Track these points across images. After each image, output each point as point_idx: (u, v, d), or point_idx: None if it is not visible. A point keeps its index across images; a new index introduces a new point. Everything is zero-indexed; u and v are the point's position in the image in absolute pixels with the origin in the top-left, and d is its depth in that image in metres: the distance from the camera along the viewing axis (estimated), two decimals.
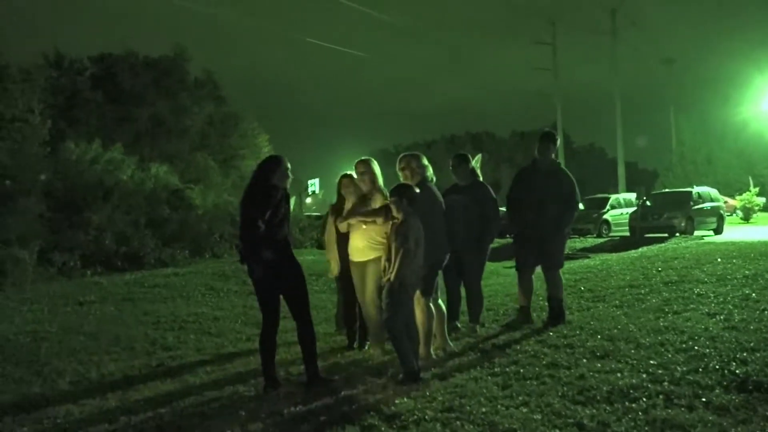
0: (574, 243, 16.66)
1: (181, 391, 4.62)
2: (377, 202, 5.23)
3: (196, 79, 29.49)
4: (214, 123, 28.74)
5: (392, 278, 4.49)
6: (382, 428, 3.56)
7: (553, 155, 6.34)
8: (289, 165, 4.64)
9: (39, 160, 14.64)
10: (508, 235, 19.29)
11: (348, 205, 5.47)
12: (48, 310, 8.51)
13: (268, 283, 4.47)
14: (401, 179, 5.17)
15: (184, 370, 5.29)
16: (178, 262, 14.32)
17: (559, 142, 6.43)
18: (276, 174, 4.53)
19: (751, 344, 4.65)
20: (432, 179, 5.28)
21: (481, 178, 6.43)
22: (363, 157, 5.51)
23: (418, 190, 4.71)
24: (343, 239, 5.58)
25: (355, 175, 5.51)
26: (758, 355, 4.37)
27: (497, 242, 18.52)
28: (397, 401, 3.97)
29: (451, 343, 5.41)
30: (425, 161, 5.27)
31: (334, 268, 5.84)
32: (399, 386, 4.34)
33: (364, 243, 5.22)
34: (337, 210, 5.72)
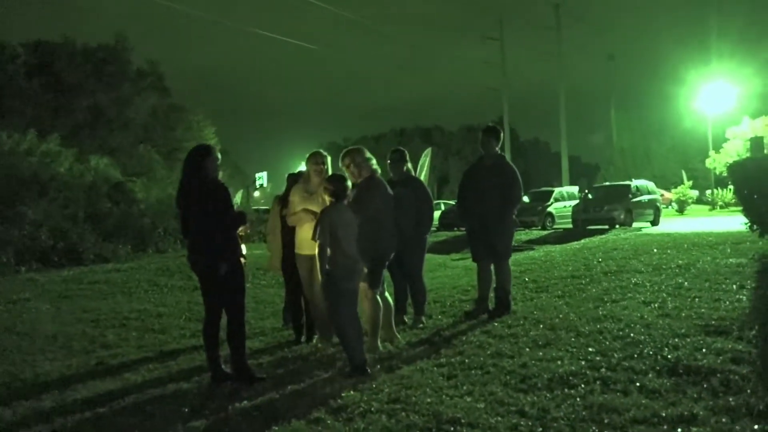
0: (520, 235, 17.00)
1: (122, 389, 4.48)
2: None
3: (138, 70, 28.59)
4: (158, 115, 27.97)
5: (319, 273, 4.51)
6: (329, 421, 3.55)
7: (497, 149, 6.46)
8: (219, 155, 4.57)
9: None
10: (456, 228, 19.62)
11: (294, 197, 5.41)
12: None
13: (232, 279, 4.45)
14: (347, 176, 5.16)
15: (125, 368, 5.14)
16: (120, 258, 13.86)
17: (503, 136, 6.53)
18: (206, 163, 4.43)
19: (683, 330, 4.87)
20: (377, 171, 5.28)
21: (415, 173, 6.54)
22: (320, 150, 5.54)
23: (349, 184, 4.74)
24: (288, 232, 5.53)
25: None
26: (689, 340, 4.59)
27: (446, 235, 18.87)
28: (343, 394, 3.97)
29: (398, 335, 5.45)
30: (368, 154, 5.25)
31: (276, 260, 5.80)
32: (346, 379, 4.35)
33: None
34: (284, 200, 5.67)
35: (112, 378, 4.83)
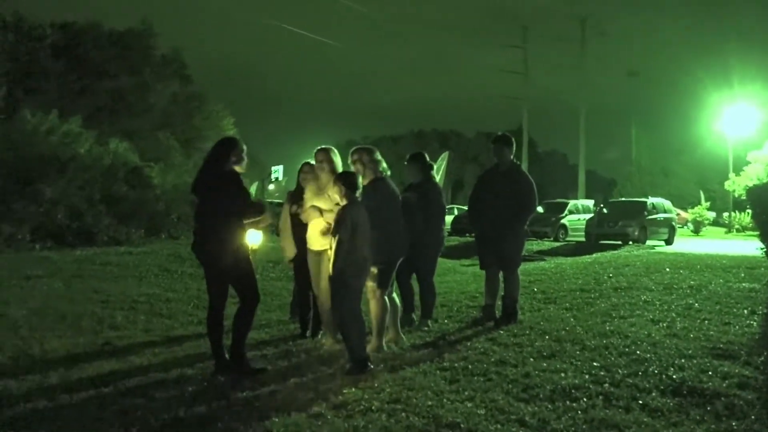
0: (531, 245, 16.94)
1: (126, 371, 4.53)
2: (334, 192, 5.19)
3: (162, 56, 28.84)
4: (178, 102, 28.15)
5: (330, 268, 4.52)
6: (329, 416, 3.57)
7: (511, 157, 6.43)
8: (245, 147, 4.59)
9: None
10: (468, 234, 19.58)
11: (307, 194, 5.45)
12: None
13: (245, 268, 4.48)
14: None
15: (131, 350, 5.20)
16: (133, 241, 13.99)
17: (514, 145, 6.49)
18: (231, 157, 4.48)
19: (690, 351, 4.83)
20: (386, 173, 5.27)
21: (437, 178, 6.52)
22: (323, 146, 5.49)
23: (361, 180, 4.74)
24: (300, 227, 5.55)
25: (314, 164, 5.50)
26: (695, 361, 4.55)
27: (457, 240, 18.85)
28: (345, 391, 3.99)
29: (403, 337, 5.46)
30: (378, 156, 5.22)
31: (290, 252, 5.80)
32: (346, 375, 4.37)
33: (322, 231, 5.20)
34: (294, 197, 5.69)
35: (117, 359, 4.89)
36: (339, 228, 4.50)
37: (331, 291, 4.63)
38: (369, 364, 4.49)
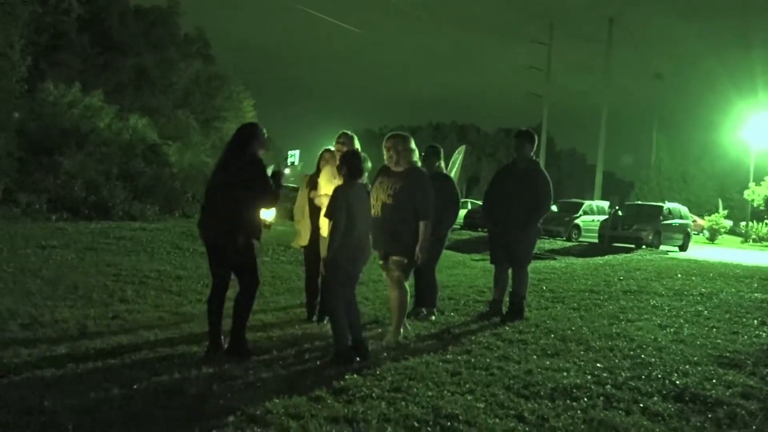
0: (543, 244, 16.86)
1: (134, 344, 4.59)
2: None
3: (186, 35, 29.00)
4: (199, 82, 28.29)
5: (324, 251, 4.42)
6: (329, 401, 3.60)
7: (531, 154, 6.39)
8: (265, 132, 4.61)
9: (14, 98, 14.27)
10: (480, 228, 19.54)
11: (321, 178, 5.46)
12: (7, 249, 8.36)
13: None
14: (385, 159, 5.14)
15: (140, 324, 5.27)
16: (147, 217, 14.16)
17: (537, 141, 6.45)
18: (256, 142, 4.50)
19: (695, 358, 4.81)
20: (418, 164, 5.26)
21: (453, 172, 6.51)
22: (346, 131, 5.52)
23: (369, 165, 4.61)
24: (315, 212, 5.58)
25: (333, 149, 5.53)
26: (700, 368, 4.53)
27: (469, 234, 18.80)
28: (346, 377, 4.00)
29: (408, 327, 5.47)
30: (413, 144, 5.17)
31: (304, 239, 5.81)
32: (331, 365, 4.27)
33: None
34: (313, 183, 5.72)
35: (126, 332, 4.96)
36: (333, 209, 4.33)
37: (325, 275, 4.48)
38: (353, 356, 4.35)
